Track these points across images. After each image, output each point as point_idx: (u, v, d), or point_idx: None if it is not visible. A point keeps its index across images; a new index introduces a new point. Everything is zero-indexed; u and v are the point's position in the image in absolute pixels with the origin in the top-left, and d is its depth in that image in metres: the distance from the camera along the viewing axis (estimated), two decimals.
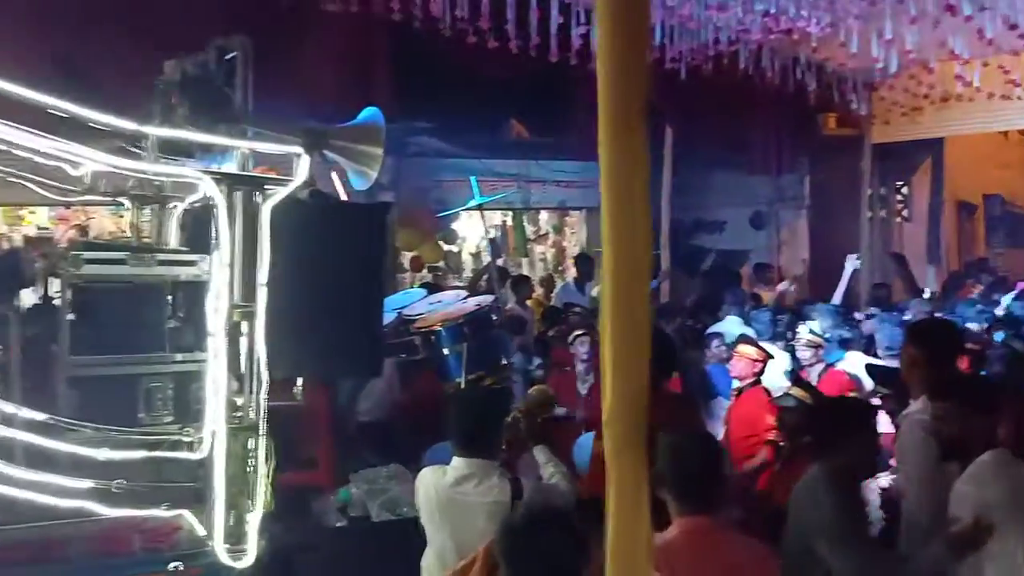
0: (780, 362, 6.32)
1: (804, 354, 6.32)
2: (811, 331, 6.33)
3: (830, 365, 6.21)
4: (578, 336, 6.10)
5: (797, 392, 4.95)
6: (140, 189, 4.68)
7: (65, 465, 3.05)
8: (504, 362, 5.01)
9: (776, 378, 6.01)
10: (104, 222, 8.95)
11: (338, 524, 4.40)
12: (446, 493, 3.32)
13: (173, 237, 4.66)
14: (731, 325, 7.07)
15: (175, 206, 4.70)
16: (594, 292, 9.88)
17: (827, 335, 6.34)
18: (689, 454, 2.72)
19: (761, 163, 11.22)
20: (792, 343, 6.67)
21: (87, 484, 3.04)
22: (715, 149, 9.97)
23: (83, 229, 8.20)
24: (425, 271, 10.42)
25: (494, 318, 5.05)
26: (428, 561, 3.43)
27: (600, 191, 1.61)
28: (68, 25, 5.27)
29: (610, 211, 1.58)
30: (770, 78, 7.98)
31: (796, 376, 5.83)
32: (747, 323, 7.25)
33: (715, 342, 6.51)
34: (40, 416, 3.04)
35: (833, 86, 9.20)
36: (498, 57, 7.01)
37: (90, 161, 3.04)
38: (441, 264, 10.85)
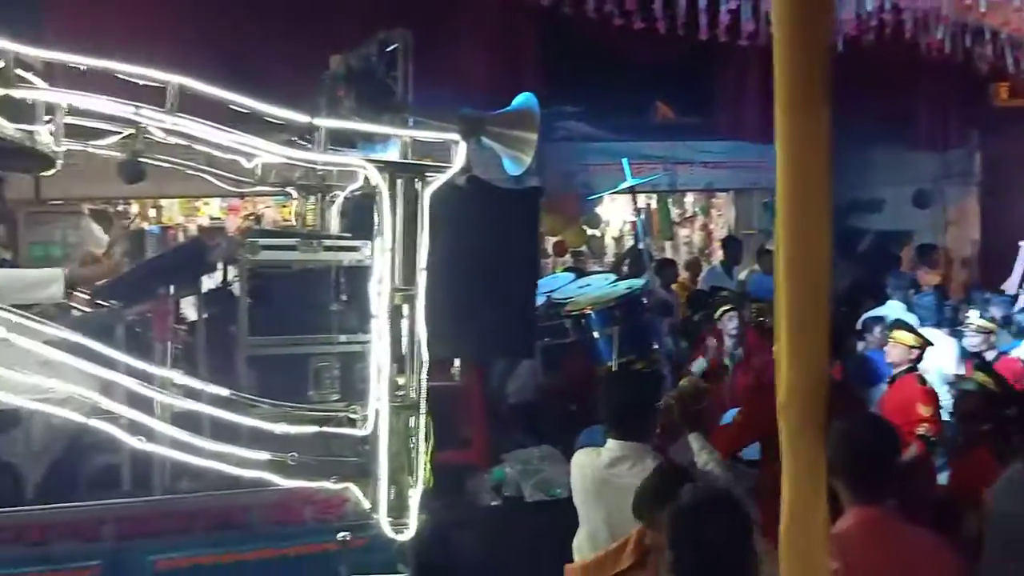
0: (946, 349, 5.98)
1: (973, 340, 6.00)
2: (982, 316, 5.95)
3: (1003, 353, 5.82)
4: (726, 311, 6.05)
5: (980, 377, 4.62)
6: (305, 179, 4.95)
7: (245, 438, 3.27)
8: (655, 346, 4.96)
9: (943, 364, 5.69)
10: (268, 212, 9.49)
11: (492, 503, 4.51)
12: (600, 474, 3.34)
13: (334, 224, 4.91)
14: (892, 310, 6.73)
15: (336, 195, 4.95)
16: (742, 275, 9.62)
17: (1000, 321, 5.93)
18: (863, 440, 2.61)
19: (926, 137, 10.50)
20: (960, 328, 6.31)
21: (265, 456, 3.24)
22: (873, 123, 9.42)
23: (258, 218, 8.66)
24: (567, 256, 10.44)
25: (645, 301, 5.00)
26: (580, 542, 3.47)
27: (776, 170, 1.56)
28: (238, 24, 5.60)
29: (788, 191, 1.53)
30: (936, 46, 7.46)
31: (981, 360, 5.48)
32: (910, 308, 6.88)
33: (876, 327, 6.22)
34: (224, 392, 3.26)
35: (1007, 53, 8.50)
36: (644, 38, 6.90)
37: (266, 153, 3.20)
38: (584, 248, 10.85)
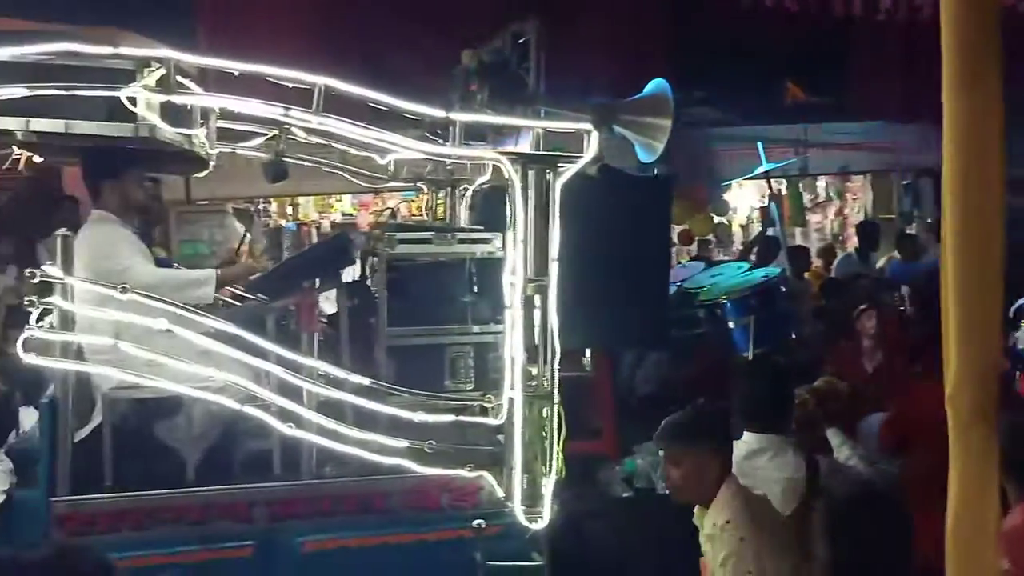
0: None
1: None
2: None
3: None
4: (863, 311, 5.73)
5: None
6: (435, 174, 5.07)
7: (384, 426, 3.38)
8: (793, 336, 4.80)
9: None
10: (392, 205, 9.76)
11: (624, 494, 4.49)
12: (738, 466, 3.27)
13: (463, 217, 5.00)
14: None
15: (465, 188, 5.04)
16: (880, 263, 9.17)
17: None
18: None
19: None
20: None
21: (403, 444, 3.34)
22: None
23: (394, 213, 8.91)
24: (692, 245, 10.24)
25: (783, 290, 4.83)
26: None
27: (943, 147, 1.47)
28: (370, 24, 5.76)
29: (957, 172, 1.44)
30: None
31: None
32: None
33: None
34: (365, 381, 3.38)
35: None
36: (773, 17, 6.67)
37: (404, 149, 3.28)
38: (710, 237, 10.62)
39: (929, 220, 9.56)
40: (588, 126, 3.15)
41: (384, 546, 3.49)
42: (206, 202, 8.14)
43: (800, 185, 10.74)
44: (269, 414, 3.32)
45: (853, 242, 10.11)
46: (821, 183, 11.46)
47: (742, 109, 8.64)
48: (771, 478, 3.16)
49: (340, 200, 10.07)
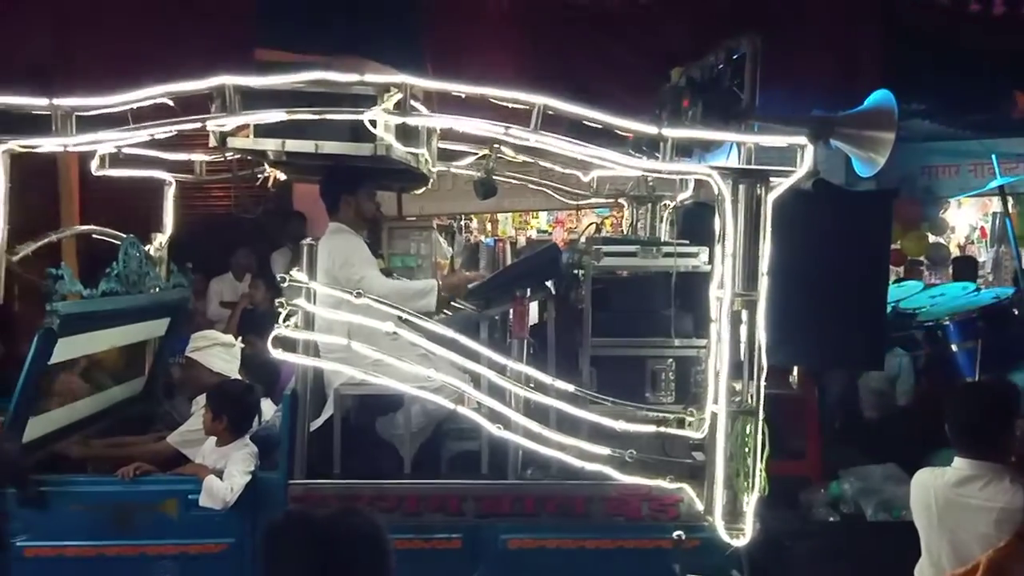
0: None
1: None
2: None
3: None
4: None
5: None
6: (637, 190, 5.16)
7: (585, 433, 3.48)
8: None
9: None
10: (586, 222, 9.91)
11: (830, 518, 4.33)
12: (945, 494, 3.08)
13: (664, 232, 5.05)
14: None
15: (666, 204, 5.09)
16: None
17: None
18: None
19: None
20: None
21: (605, 451, 3.43)
22: None
23: (598, 227, 9.04)
24: (901, 268, 9.63)
25: (1015, 312, 4.49)
26: (922, 568, 3.22)
27: None
28: (579, 44, 5.96)
29: None
30: None
31: None
32: None
33: None
34: (569, 388, 3.50)
35: None
36: (999, 24, 6.19)
37: (615, 166, 3.38)
38: (922, 259, 9.94)
39: None
40: (803, 140, 3.12)
41: (583, 550, 3.59)
42: (414, 218, 8.65)
43: None
44: (480, 415, 3.52)
45: None
46: None
47: (964, 121, 8.07)
48: (983, 507, 2.96)
49: (536, 217, 10.35)
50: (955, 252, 10.92)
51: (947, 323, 4.37)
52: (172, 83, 3.29)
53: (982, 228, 10.84)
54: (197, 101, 3.35)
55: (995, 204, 10.03)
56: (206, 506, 3.54)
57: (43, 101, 3.30)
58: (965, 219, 10.81)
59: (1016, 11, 5.74)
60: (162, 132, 3.35)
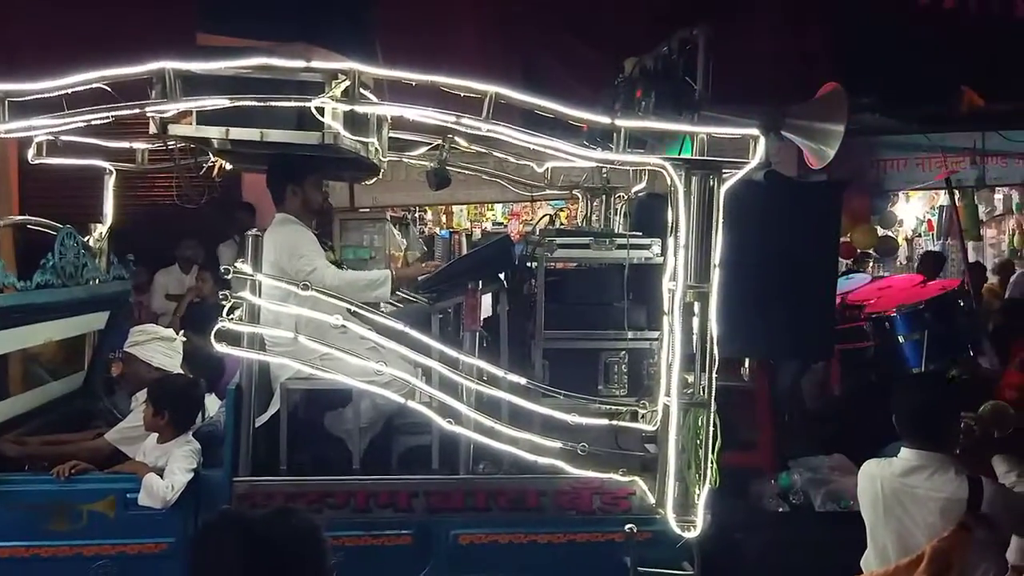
0: None
1: None
2: None
3: None
4: None
5: None
6: (591, 182, 5.14)
7: (539, 426, 3.45)
8: (971, 353, 4.50)
9: None
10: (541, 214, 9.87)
11: (779, 509, 4.36)
12: (892, 483, 3.11)
13: (618, 224, 5.03)
14: None
15: (620, 196, 5.07)
16: None
17: None
18: None
19: None
20: None
21: (557, 445, 3.40)
22: None
23: (552, 219, 9.00)
24: (851, 260, 9.78)
25: (961, 304, 4.55)
26: (868, 557, 3.26)
27: None
28: (532, 34, 5.92)
29: None
30: None
31: None
32: None
33: None
34: (521, 381, 3.47)
35: None
36: (949, 19, 6.31)
37: (568, 157, 3.34)
38: (871, 251, 10.11)
39: None
40: (755, 131, 3.11)
41: (535, 544, 3.56)
42: (367, 209, 8.54)
43: (976, 197, 10.07)
44: (430, 409, 3.46)
45: None
46: (999, 195, 10.70)
47: (913, 116, 8.20)
48: (929, 497, 3.00)
49: (492, 209, 10.30)
50: (903, 245, 11.15)
51: (894, 315, 4.43)
52: (110, 68, 3.17)
53: (929, 221, 11.07)
54: (137, 87, 3.23)
55: (942, 198, 10.26)
56: (145, 505, 3.43)
57: None
58: (913, 212, 11.03)
59: (965, 6, 5.83)
60: (98, 118, 3.23)
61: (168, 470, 3.50)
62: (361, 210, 8.49)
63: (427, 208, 10.04)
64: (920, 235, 11.15)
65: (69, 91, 3.18)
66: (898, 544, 3.09)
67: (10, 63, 3.20)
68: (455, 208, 10.20)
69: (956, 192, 9.38)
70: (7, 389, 4.08)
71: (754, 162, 3.11)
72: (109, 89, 3.21)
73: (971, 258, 9.62)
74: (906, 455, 3.14)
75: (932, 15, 6.13)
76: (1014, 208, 10.59)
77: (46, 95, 3.19)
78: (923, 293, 4.61)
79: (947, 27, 6.99)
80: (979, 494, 2.98)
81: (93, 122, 3.24)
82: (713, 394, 3.28)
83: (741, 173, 3.15)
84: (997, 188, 10.26)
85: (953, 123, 8.31)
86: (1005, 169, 8.82)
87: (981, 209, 10.57)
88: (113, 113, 3.19)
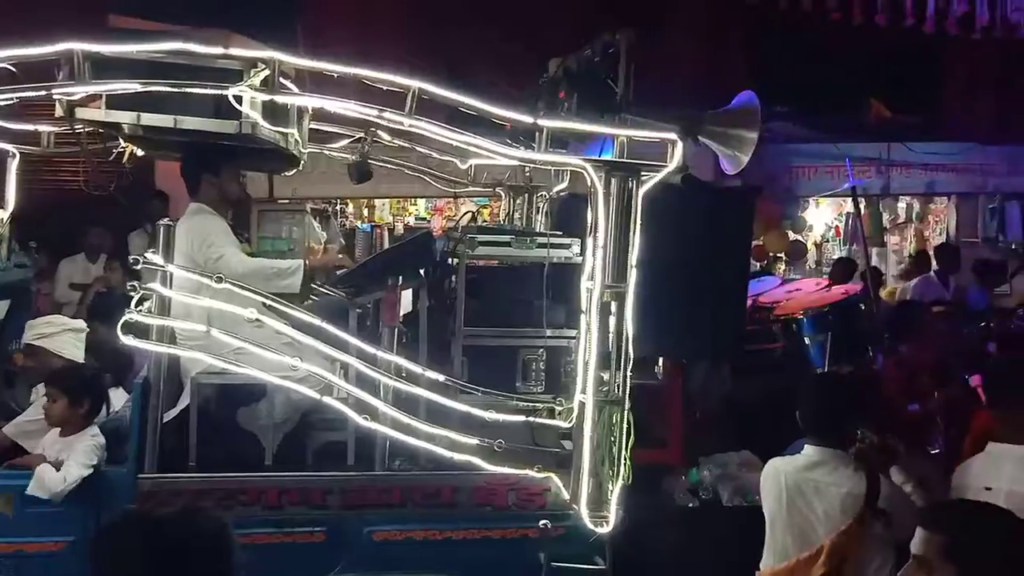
0: None
1: None
2: None
3: None
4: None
5: None
6: (514, 180, 5.16)
7: (456, 423, 3.45)
8: (871, 354, 4.70)
9: None
10: (465, 211, 9.84)
11: (689, 504, 4.47)
12: (795, 477, 3.24)
13: (539, 223, 5.07)
14: None
15: (541, 195, 5.11)
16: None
17: None
18: None
19: None
20: None
21: (473, 441, 3.41)
22: None
23: (474, 216, 8.97)
24: (765, 262, 10.09)
25: (862, 307, 4.75)
26: (765, 561, 3.35)
27: None
28: (458, 30, 5.91)
29: None
30: None
31: None
32: None
33: None
34: (439, 378, 3.46)
35: None
36: (859, 32, 6.56)
37: (489, 154, 3.35)
38: (782, 255, 10.44)
39: (1014, 246, 9.25)
40: (674, 136, 3.18)
41: (450, 541, 3.56)
42: (287, 201, 8.39)
43: (880, 205, 10.52)
44: (346, 406, 3.43)
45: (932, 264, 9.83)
46: (902, 203, 11.20)
47: (824, 125, 8.51)
48: (828, 491, 3.13)
49: (415, 204, 10.22)
50: (812, 250, 11.55)
51: (800, 317, 4.59)
52: (14, 48, 3.03)
53: (836, 227, 11.49)
54: (42, 68, 3.10)
55: (849, 205, 10.68)
56: (34, 495, 3.30)
57: None
58: (822, 218, 11.43)
59: (871, 21, 6.08)
60: (2, 99, 3.08)
61: (66, 463, 3.37)
62: (280, 201, 8.34)
63: (348, 201, 9.91)
64: (828, 240, 11.56)
65: None
66: (799, 539, 3.21)
67: None
68: (377, 202, 10.10)
69: (861, 200, 9.78)
70: None
71: (672, 165, 3.18)
72: (13, 69, 3.07)
73: (874, 263, 10.08)
74: (809, 451, 3.27)
75: (844, 29, 6.37)
76: (914, 217, 11.09)
77: None
78: (828, 297, 4.79)
79: (858, 41, 7.27)
80: (876, 489, 3.12)
81: None
82: (627, 392, 3.34)
83: (660, 176, 3.21)
84: (900, 197, 10.77)
85: (861, 133, 8.67)
86: (908, 179, 9.27)
87: (885, 217, 11.05)
88: (18, 95, 3.05)
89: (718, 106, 3.52)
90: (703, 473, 4.58)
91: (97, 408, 3.69)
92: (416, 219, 10.27)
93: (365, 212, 10.24)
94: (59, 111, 3.35)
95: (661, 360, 4.13)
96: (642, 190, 3.18)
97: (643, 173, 3.16)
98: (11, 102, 3.11)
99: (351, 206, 10.09)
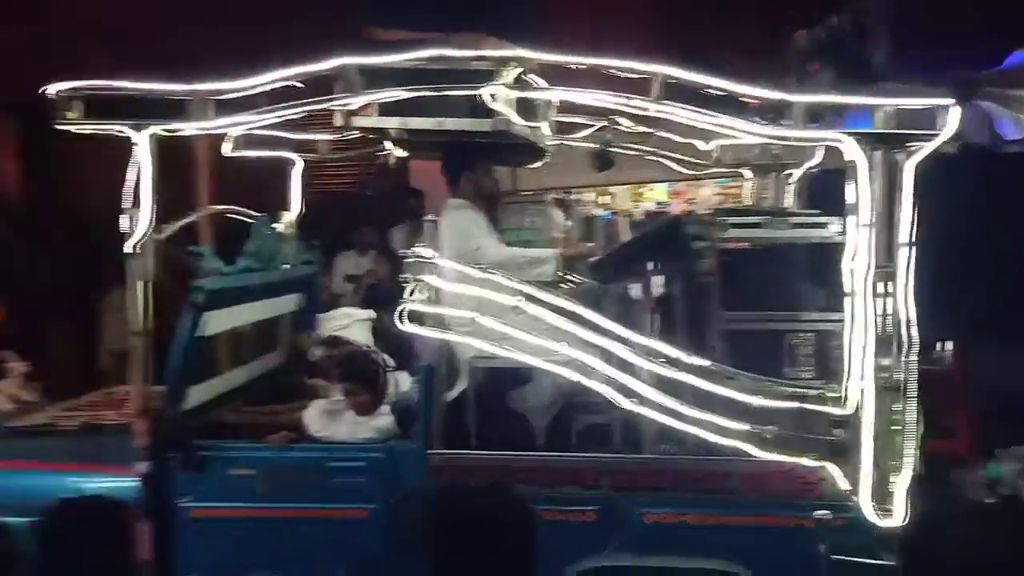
0: None
1: None
2: None
3: None
4: None
5: None
6: (761, 159, 4.94)
7: (722, 408, 3.35)
8: None
9: None
10: (705, 193, 9.57)
11: (986, 500, 4.07)
12: None
13: (789, 202, 4.82)
14: None
15: (790, 173, 4.85)
16: None
17: None
18: None
19: None
20: None
21: (743, 427, 3.31)
22: None
23: (728, 198, 8.74)
24: None
25: None
26: None
27: None
28: (692, 15, 5.78)
29: None
30: None
31: None
32: None
33: None
34: (704, 363, 3.39)
35: None
36: None
37: (740, 134, 3.24)
38: None
39: None
40: (948, 101, 2.89)
41: (723, 526, 3.48)
42: (530, 192, 8.62)
43: None
44: (610, 389, 3.45)
45: None
46: None
47: None
48: None
49: (653, 189, 10.11)
50: None
51: None
52: (292, 67, 3.33)
53: None
54: (314, 82, 3.38)
55: None
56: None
57: (184, 87, 3.41)
58: None
59: None
60: (294, 113, 3.42)
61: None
62: (523, 193, 8.59)
63: (586, 190, 10.01)
64: None
65: (267, 88, 3.37)
66: None
67: (201, 66, 3.43)
68: (616, 189, 10.11)
69: None
70: (217, 367, 4.40)
71: (947, 133, 2.89)
72: (301, 85, 3.38)
73: None
74: None
75: None
76: None
77: (246, 93, 3.39)
78: None
79: None
80: None
81: (288, 116, 3.44)
82: (911, 378, 3.10)
83: (932, 145, 2.94)
84: None
85: None
86: None
87: None
88: (306, 108, 3.37)
89: (988, 67, 3.15)
90: (1003, 468, 4.13)
91: (386, 390, 4.01)
92: (656, 204, 10.15)
93: (604, 199, 10.30)
94: (338, 120, 3.67)
95: (947, 343, 3.77)
96: (911, 162, 2.92)
97: (911, 144, 2.90)
98: (301, 115, 3.44)
99: (590, 194, 10.18)
